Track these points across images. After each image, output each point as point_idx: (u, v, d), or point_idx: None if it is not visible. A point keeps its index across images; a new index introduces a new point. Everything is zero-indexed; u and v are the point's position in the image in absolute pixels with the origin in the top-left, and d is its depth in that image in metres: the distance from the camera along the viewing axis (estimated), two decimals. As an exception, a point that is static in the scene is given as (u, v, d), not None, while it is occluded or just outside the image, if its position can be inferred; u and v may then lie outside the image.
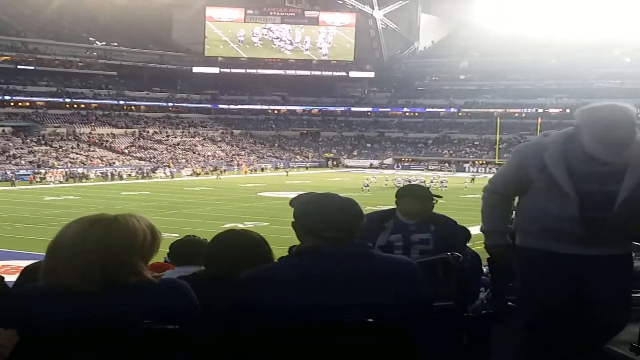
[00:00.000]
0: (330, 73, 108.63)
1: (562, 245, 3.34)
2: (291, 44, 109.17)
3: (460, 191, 53.21)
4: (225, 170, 75.66)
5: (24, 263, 3.55)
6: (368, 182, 57.72)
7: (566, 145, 3.26)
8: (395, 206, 4.86)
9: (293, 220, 2.57)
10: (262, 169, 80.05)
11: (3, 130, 76.40)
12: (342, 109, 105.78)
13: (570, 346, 3.53)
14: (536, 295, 3.46)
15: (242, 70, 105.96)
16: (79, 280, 2.15)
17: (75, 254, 2.16)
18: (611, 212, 3.20)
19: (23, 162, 68.41)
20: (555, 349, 3.48)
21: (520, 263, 3.58)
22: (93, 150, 77.04)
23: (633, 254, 3.70)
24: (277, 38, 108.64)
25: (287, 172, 74.87)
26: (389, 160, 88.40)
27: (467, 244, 5.39)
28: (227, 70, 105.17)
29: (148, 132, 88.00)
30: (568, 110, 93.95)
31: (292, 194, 2.89)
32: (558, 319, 3.43)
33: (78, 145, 77.82)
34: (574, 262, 3.34)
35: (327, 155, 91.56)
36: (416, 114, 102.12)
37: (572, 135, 3.29)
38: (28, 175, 62.72)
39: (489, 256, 4.07)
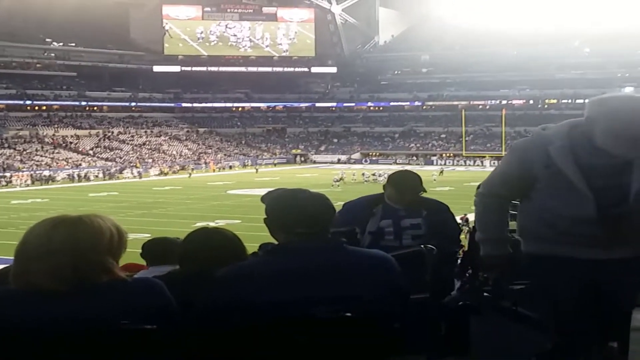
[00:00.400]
0: (292, 69, 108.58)
1: (581, 250, 3.00)
2: (250, 40, 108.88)
3: (430, 184, 53.17)
4: (193, 169, 75.23)
5: None
6: (338, 177, 57.87)
7: (571, 138, 2.95)
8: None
9: (265, 217, 2.56)
10: (230, 167, 79.74)
11: (-36, 134, 75.22)
12: (307, 104, 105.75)
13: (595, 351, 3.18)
14: (561, 307, 3.09)
15: (204, 68, 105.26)
16: (49, 281, 2.11)
17: (43, 254, 2.12)
18: (627, 207, 2.89)
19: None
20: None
21: (532, 274, 3.23)
22: (58, 152, 76.05)
23: None
24: (236, 35, 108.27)
25: (256, 169, 74.69)
26: (356, 155, 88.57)
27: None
28: (189, 68, 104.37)
29: (112, 132, 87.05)
30: (532, 102, 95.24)
31: (262, 191, 2.91)
32: (583, 326, 3.07)
33: (42, 147, 76.75)
34: (595, 268, 3.00)
35: (294, 151, 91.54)
36: (381, 108, 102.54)
37: (575, 126, 2.99)
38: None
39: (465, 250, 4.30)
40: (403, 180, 4.71)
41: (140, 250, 4.32)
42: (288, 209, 2.50)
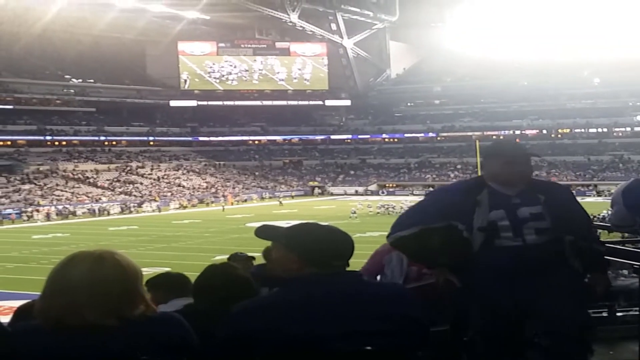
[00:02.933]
0: (306, 102, 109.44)
1: None
2: (265, 75, 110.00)
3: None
4: (212, 202, 75.77)
5: (17, 303, 3.52)
6: (355, 210, 58.27)
7: None
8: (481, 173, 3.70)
9: (287, 250, 2.53)
10: (244, 200, 79.82)
11: (-15, 170, 76.23)
12: (322, 137, 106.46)
13: None
14: None
15: (220, 103, 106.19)
16: (99, 315, 2.14)
17: (96, 288, 2.14)
18: None
19: (8, 201, 68.15)
20: None
21: None
22: (78, 187, 76.73)
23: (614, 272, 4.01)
24: (250, 70, 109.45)
25: (280, 201, 74.27)
26: (373, 187, 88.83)
27: None
28: (205, 102, 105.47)
29: (131, 166, 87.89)
30: (545, 131, 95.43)
31: (281, 224, 2.87)
32: None
33: (63, 182, 77.66)
34: None
35: (311, 183, 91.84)
36: (396, 140, 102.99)
37: None
38: (10, 214, 62.15)
39: None
40: (512, 149, 3.64)
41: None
42: (325, 242, 2.50)
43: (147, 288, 3.88)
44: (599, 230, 5.21)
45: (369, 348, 2.36)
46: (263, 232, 2.67)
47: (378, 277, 4.66)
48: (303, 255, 2.48)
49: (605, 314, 4.81)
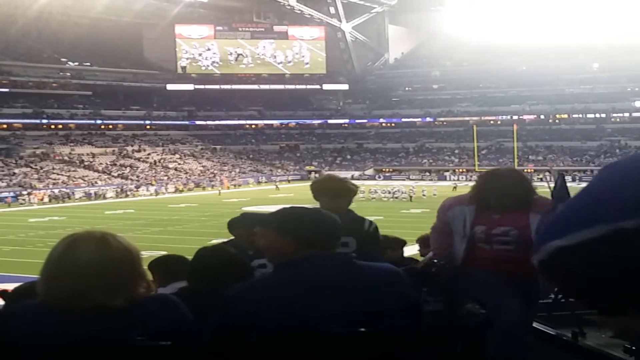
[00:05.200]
0: (304, 86, 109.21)
1: None
2: (262, 58, 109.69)
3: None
4: (207, 187, 75.73)
5: (13, 286, 3.49)
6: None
7: None
8: None
9: (280, 234, 2.54)
10: (240, 185, 79.66)
11: (-19, 154, 76.14)
12: (319, 121, 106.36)
13: None
14: None
15: (217, 86, 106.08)
16: (107, 296, 2.15)
17: (104, 270, 2.14)
18: None
19: (4, 184, 68.03)
20: None
21: None
22: (74, 170, 76.68)
23: None
24: (247, 54, 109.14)
25: (276, 185, 74.56)
26: (369, 171, 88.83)
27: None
28: (202, 86, 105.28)
29: (127, 150, 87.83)
30: (542, 117, 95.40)
31: (277, 208, 2.84)
32: None
33: (59, 166, 77.53)
34: None
35: (308, 167, 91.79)
36: (393, 125, 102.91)
37: None
38: (6, 197, 62.01)
39: None
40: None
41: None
42: (309, 226, 2.52)
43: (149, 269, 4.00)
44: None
45: (363, 330, 2.37)
46: (241, 221, 2.80)
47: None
48: (299, 238, 2.49)
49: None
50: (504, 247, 3.92)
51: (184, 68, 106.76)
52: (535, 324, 4.21)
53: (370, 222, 4.34)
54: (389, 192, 59.75)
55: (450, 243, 4.15)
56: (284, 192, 68.19)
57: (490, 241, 3.96)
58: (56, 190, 66.60)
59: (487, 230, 3.97)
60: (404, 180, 77.41)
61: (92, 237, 2.21)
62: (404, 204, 53.50)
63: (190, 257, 3.23)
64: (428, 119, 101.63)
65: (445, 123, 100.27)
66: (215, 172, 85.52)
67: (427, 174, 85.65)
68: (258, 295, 2.42)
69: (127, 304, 2.17)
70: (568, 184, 4.04)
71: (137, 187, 72.23)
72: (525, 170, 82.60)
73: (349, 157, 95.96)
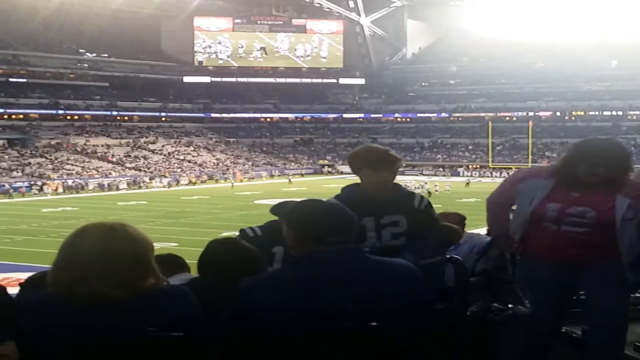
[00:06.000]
0: (320, 80, 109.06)
1: None
2: (280, 52, 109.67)
3: (457, 195, 54.28)
4: (220, 179, 75.88)
5: (25, 275, 3.52)
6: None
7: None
8: None
9: (288, 227, 2.58)
10: (252, 178, 79.70)
11: (-2, 143, 76.68)
12: (334, 115, 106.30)
13: None
14: None
15: (233, 79, 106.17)
16: (113, 288, 2.16)
17: (107, 260, 2.17)
18: None
19: (19, 174, 68.50)
20: None
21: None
22: (89, 161, 77.06)
23: None
24: (265, 47, 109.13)
25: (289, 179, 74.53)
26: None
27: None
28: (218, 79, 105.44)
29: (142, 142, 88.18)
30: (559, 113, 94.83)
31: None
32: None
33: (74, 156, 77.93)
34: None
35: (321, 162, 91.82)
36: (408, 120, 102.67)
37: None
38: (20, 187, 62.36)
39: None
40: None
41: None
42: (318, 219, 2.52)
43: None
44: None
45: (374, 324, 2.38)
46: (276, 209, 3.01)
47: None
48: (300, 231, 2.52)
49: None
50: (574, 229, 3.51)
51: (200, 62, 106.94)
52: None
53: (422, 197, 3.92)
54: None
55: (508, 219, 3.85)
56: (297, 185, 68.24)
57: (561, 221, 3.55)
58: (70, 181, 66.93)
59: (561, 209, 3.55)
60: (416, 175, 77.24)
61: (99, 228, 2.24)
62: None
63: (200, 250, 3.19)
64: (443, 115, 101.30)
65: (460, 119, 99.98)
66: (229, 164, 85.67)
67: (441, 169, 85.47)
68: (269, 289, 2.43)
69: (132, 296, 2.18)
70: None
71: (151, 178, 72.49)
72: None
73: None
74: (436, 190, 57.45)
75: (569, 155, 3.64)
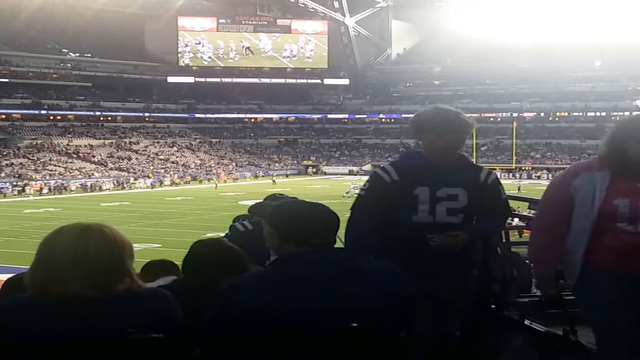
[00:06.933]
0: (305, 81, 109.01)
1: None
2: (264, 52, 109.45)
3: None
4: (203, 180, 75.58)
5: (6, 276, 3.52)
6: (350, 190, 57.96)
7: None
8: None
9: (269, 227, 2.57)
10: (236, 178, 79.33)
11: (-20, 143, 76.09)
12: (319, 116, 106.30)
13: None
14: None
15: (217, 80, 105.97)
16: (82, 288, 2.15)
17: (77, 260, 2.15)
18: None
19: (1, 174, 67.93)
20: None
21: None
22: (71, 162, 76.64)
23: None
24: (250, 47, 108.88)
25: (273, 180, 74.28)
26: (367, 167, 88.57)
27: None
28: (202, 79, 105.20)
29: (126, 142, 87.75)
30: (542, 114, 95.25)
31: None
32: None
33: (56, 157, 77.41)
34: None
35: (305, 162, 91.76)
36: (392, 120, 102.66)
37: None
38: (2, 188, 61.93)
39: None
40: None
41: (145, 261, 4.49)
42: (298, 220, 2.50)
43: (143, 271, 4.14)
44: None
45: (355, 325, 2.36)
46: (254, 208, 2.92)
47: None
48: (280, 231, 2.51)
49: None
50: None
51: (187, 64, 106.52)
52: (526, 321, 3.92)
53: (489, 171, 3.50)
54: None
55: (564, 236, 3.07)
56: (281, 186, 68.02)
57: (637, 220, 2.86)
58: (52, 182, 66.48)
59: (632, 204, 2.88)
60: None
61: (74, 229, 2.22)
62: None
63: (184, 251, 3.18)
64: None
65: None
66: (213, 165, 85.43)
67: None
68: (251, 289, 2.41)
69: (106, 297, 2.17)
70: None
71: (134, 179, 72.16)
72: (523, 168, 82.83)
73: (347, 152, 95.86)
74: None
75: (613, 134, 2.98)
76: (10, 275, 3.37)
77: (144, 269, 4.06)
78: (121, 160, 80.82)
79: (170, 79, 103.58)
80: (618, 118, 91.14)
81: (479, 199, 3.34)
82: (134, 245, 2.31)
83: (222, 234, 4.60)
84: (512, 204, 3.88)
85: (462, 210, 3.33)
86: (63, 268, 2.15)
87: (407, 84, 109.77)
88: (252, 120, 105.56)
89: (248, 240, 3.25)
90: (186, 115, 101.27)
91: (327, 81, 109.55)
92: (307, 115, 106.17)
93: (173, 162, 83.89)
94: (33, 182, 65.25)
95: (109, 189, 66.82)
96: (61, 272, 2.15)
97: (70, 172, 72.68)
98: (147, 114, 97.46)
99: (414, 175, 3.08)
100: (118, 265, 2.21)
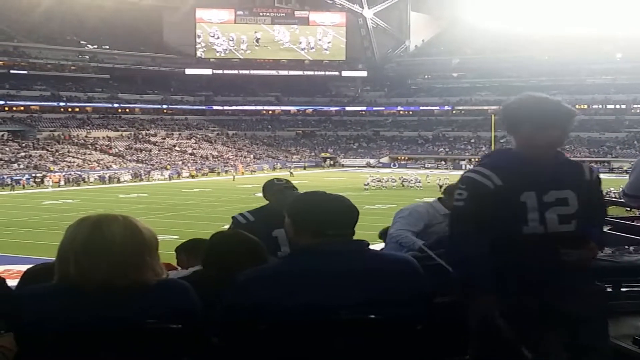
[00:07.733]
0: (323, 73, 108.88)
1: None
2: (282, 44, 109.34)
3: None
4: (221, 172, 75.64)
5: (25, 267, 3.53)
6: (368, 182, 58.21)
7: None
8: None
9: (288, 219, 2.56)
10: (254, 171, 79.13)
11: (-1, 135, 76.51)
12: (337, 108, 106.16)
13: None
14: None
15: (235, 72, 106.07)
16: (109, 278, 2.18)
17: (104, 250, 2.18)
18: None
19: (21, 166, 68.31)
20: None
21: None
22: (90, 154, 76.95)
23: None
24: (268, 39, 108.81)
25: (291, 172, 74.06)
26: (385, 159, 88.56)
27: None
28: (220, 71, 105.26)
29: (143, 134, 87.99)
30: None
31: None
32: None
33: (75, 148, 77.75)
34: None
35: (323, 154, 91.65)
36: (410, 113, 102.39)
37: None
38: (21, 180, 62.20)
39: None
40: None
41: (169, 252, 4.45)
42: (318, 212, 2.49)
43: (176, 252, 4.50)
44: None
45: (372, 317, 2.37)
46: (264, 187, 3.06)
47: None
48: (297, 222, 2.52)
49: (609, 290, 4.53)
50: None
51: (207, 58, 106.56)
52: None
53: (591, 167, 3.04)
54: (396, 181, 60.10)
55: None
56: (298, 178, 67.80)
57: None
58: (70, 174, 66.76)
59: None
60: (418, 169, 76.99)
61: (99, 219, 2.25)
62: (417, 192, 53.03)
63: None
64: (446, 108, 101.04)
65: (463, 112, 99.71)
66: (230, 157, 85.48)
67: (443, 162, 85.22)
68: (268, 281, 2.41)
69: (130, 287, 2.20)
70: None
71: (152, 171, 72.32)
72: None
73: (365, 144, 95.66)
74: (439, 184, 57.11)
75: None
76: (29, 266, 3.38)
77: (181, 250, 4.35)
78: (139, 152, 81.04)
79: (188, 71, 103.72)
80: (638, 111, 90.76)
81: (588, 200, 2.93)
82: (151, 236, 2.33)
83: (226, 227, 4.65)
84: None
85: (575, 215, 2.87)
86: (89, 257, 2.17)
87: (425, 76, 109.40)
88: (270, 112, 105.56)
89: (249, 231, 3.22)
90: (204, 107, 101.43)
91: (345, 73, 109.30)
92: (325, 108, 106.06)
93: (191, 154, 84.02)
94: (51, 174, 65.46)
95: (126, 181, 66.91)
96: (87, 260, 2.17)
97: (89, 164, 72.96)
98: (164, 106, 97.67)
99: (518, 179, 2.69)
100: (142, 256, 2.24)
